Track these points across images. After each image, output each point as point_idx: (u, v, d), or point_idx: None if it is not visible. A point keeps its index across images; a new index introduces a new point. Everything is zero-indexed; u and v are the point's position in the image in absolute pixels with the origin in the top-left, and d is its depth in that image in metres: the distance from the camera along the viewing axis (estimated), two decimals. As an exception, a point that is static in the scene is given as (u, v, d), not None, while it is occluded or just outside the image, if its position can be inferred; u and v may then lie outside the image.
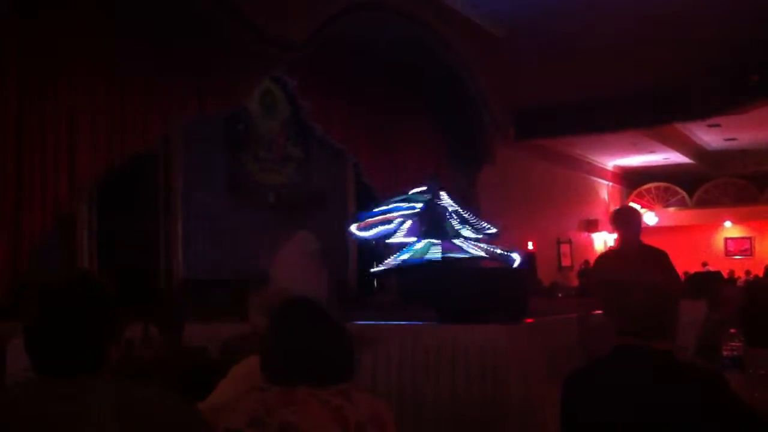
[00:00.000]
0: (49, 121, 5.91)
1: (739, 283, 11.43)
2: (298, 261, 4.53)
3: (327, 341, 2.09)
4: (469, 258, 6.94)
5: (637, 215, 4.94)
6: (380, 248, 7.71)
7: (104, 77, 6.29)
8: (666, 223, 18.43)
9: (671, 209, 19.08)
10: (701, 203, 18.88)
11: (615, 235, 4.74)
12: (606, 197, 18.45)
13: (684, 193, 18.97)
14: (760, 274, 15.10)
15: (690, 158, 16.82)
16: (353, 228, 7.72)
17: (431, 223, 7.15)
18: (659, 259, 4.61)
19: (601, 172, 18.10)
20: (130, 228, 7.14)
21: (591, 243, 17.39)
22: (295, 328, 2.10)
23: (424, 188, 7.41)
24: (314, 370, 2.02)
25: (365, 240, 7.83)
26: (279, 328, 2.14)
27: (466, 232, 7.35)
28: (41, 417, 1.61)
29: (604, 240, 17.75)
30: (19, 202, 5.69)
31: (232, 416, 1.93)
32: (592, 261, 15.55)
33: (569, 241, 16.11)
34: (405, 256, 7.04)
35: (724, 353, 3.40)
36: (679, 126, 14.11)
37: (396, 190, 8.09)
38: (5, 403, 1.69)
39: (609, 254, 4.89)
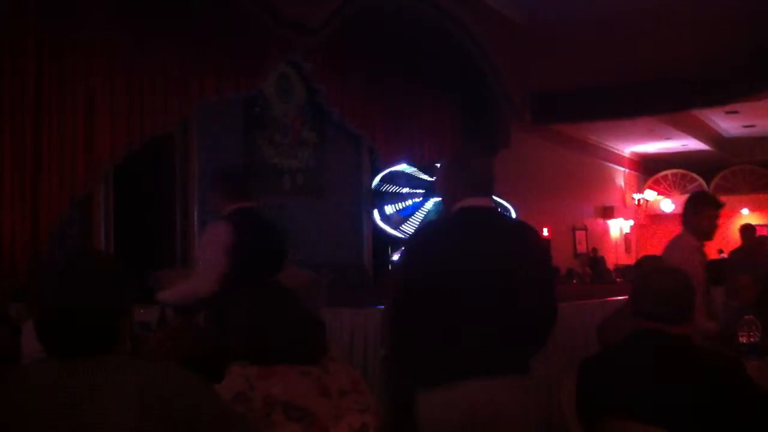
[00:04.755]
0: (67, 103, 5.93)
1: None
2: None
3: (298, 325, 2.15)
4: None
5: None
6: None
7: (123, 59, 6.30)
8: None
9: (688, 196, 18.87)
10: (718, 190, 18.67)
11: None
12: (622, 184, 18.33)
13: (701, 180, 18.80)
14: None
15: (708, 145, 16.64)
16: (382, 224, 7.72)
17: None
18: None
19: (618, 159, 17.97)
20: (146, 209, 7.17)
21: (607, 230, 17.30)
22: (268, 313, 2.18)
23: None
24: (287, 353, 2.09)
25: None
26: (254, 313, 2.20)
27: None
28: (61, 394, 1.62)
29: (620, 227, 17.65)
30: (38, 183, 5.72)
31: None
32: (601, 249, 15.61)
33: (585, 228, 16.03)
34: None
35: (741, 340, 3.38)
36: (697, 113, 13.96)
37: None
38: (24, 380, 1.70)
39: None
